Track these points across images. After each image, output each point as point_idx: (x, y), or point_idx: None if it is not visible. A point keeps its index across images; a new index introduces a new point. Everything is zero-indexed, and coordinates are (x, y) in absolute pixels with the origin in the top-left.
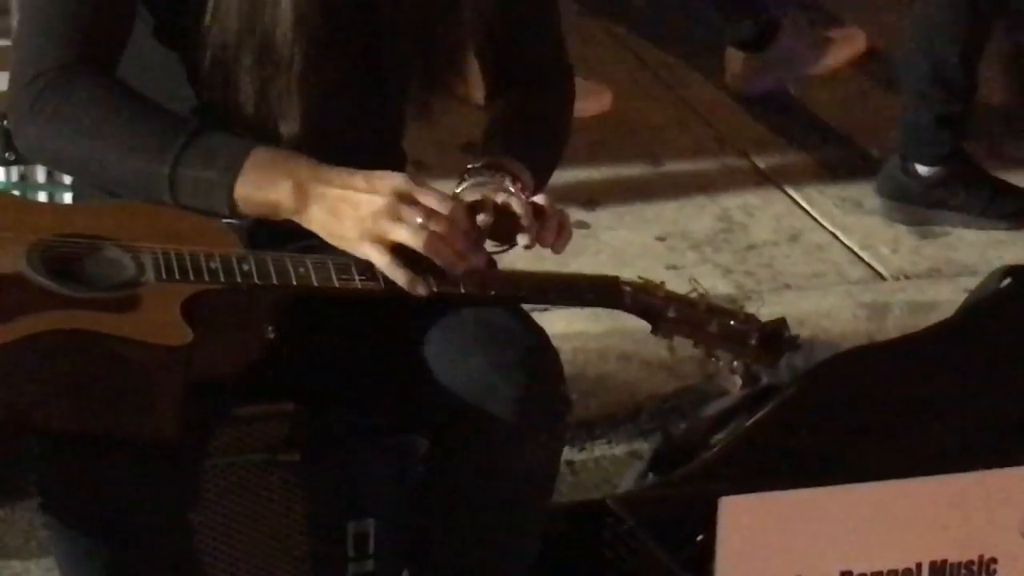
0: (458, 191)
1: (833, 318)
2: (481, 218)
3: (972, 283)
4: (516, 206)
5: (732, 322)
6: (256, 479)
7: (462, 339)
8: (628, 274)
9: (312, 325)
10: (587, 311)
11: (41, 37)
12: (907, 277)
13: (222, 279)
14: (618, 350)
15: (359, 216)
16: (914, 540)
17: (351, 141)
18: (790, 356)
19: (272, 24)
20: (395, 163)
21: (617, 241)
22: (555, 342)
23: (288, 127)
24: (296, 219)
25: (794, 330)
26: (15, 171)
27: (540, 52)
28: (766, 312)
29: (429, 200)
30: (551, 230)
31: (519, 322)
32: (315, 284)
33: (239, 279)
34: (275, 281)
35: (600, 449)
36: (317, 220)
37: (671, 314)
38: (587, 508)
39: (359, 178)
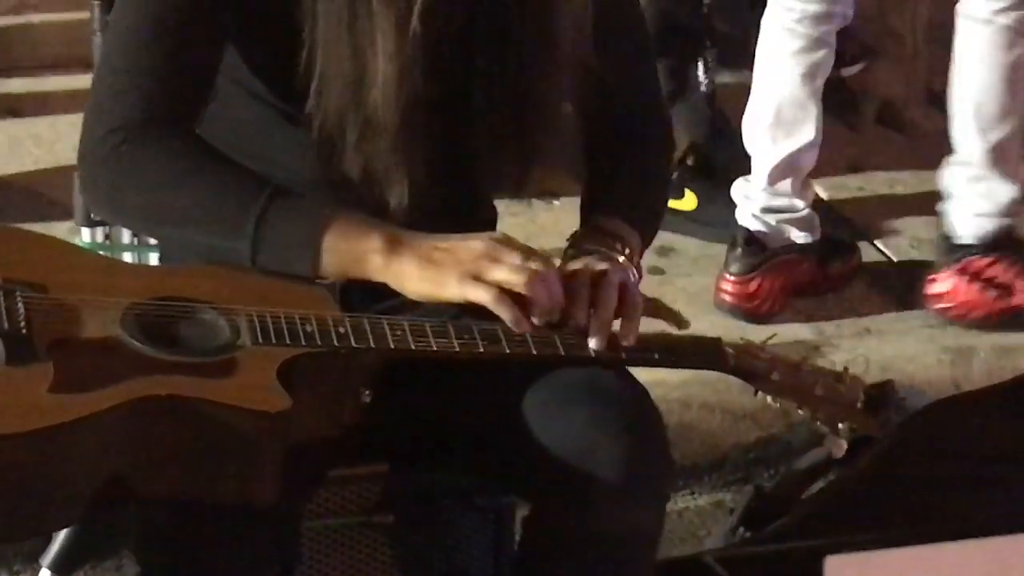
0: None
1: (917, 363)
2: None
3: None
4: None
5: (838, 384)
6: (351, 542)
7: (563, 398)
8: (704, 321)
9: (409, 387)
10: None
11: (121, 89)
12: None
13: (319, 343)
14: (700, 399)
15: (457, 259)
16: None
17: (449, 209)
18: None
19: (376, 98)
20: (487, 226)
21: (693, 287)
22: None
23: (396, 199)
24: (383, 273)
25: (877, 376)
26: (100, 232)
27: (640, 105)
28: (848, 358)
29: (522, 245)
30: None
31: (621, 380)
32: (413, 347)
33: (336, 342)
34: (372, 344)
35: (684, 500)
36: (410, 270)
37: (775, 377)
38: (684, 565)
39: (452, 237)
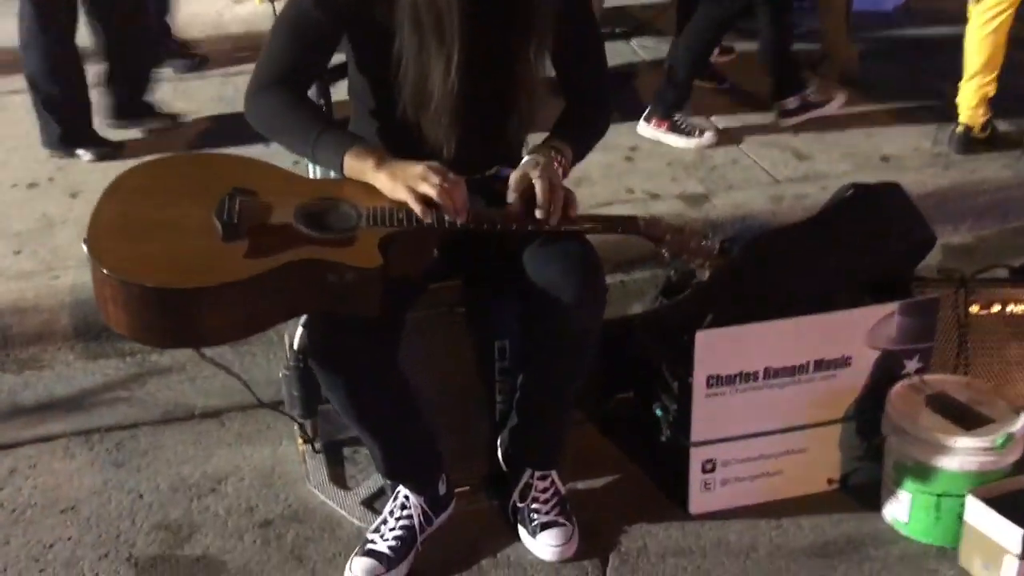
0: (524, 160)
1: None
2: (512, 197)
3: (828, 184)
4: (538, 190)
5: (704, 242)
6: (442, 323)
7: (546, 252)
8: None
9: (461, 246)
10: None
11: (264, 66)
12: (791, 180)
13: (405, 224)
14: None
15: (404, 176)
16: (806, 348)
17: (480, 151)
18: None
19: (431, 93)
20: (507, 151)
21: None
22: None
23: (444, 144)
24: (372, 178)
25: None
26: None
27: (593, 80)
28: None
29: (447, 173)
30: (556, 209)
31: (578, 242)
32: (458, 226)
33: (416, 223)
34: (437, 225)
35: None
36: (383, 177)
37: (668, 238)
38: (618, 323)
39: (413, 162)
